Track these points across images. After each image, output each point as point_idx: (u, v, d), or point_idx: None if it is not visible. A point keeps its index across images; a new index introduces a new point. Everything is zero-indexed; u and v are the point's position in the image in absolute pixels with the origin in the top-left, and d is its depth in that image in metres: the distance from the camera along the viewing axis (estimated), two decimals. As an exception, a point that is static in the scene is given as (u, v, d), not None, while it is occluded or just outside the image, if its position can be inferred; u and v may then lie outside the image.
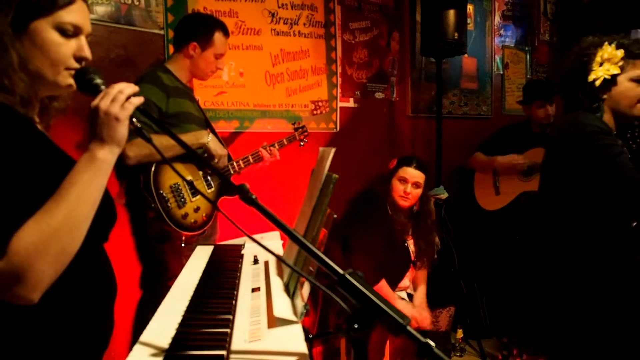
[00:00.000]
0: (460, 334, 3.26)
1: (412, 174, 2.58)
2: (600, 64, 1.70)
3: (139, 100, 1.00)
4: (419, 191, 2.60)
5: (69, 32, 1.02)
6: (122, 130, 0.98)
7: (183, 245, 2.14)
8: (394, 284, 2.63)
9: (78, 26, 1.03)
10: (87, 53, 1.05)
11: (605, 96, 1.72)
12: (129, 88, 0.99)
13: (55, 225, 0.89)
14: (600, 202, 1.65)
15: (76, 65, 1.04)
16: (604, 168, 1.61)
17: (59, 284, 0.94)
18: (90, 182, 0.95)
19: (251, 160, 2.40)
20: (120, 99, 0.97)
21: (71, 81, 1.04)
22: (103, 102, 0.97)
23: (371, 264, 2.47)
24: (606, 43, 1.71)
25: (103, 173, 0.97)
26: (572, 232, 1.70)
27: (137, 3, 2.51)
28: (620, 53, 1.68)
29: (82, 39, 1.05)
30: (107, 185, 1.02)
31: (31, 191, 0.91)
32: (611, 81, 1.70)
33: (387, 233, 2.54)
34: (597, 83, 1.70)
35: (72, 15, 1.01)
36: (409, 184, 2.57)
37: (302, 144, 2.68)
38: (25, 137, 0.97)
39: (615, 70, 1.69)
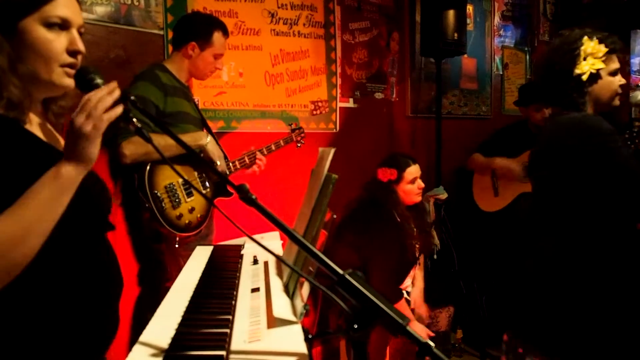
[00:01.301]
0: (460, 334, 3.26)
1: (416, 169, 2.65)
2: (584, 59, 1.70)
3: (115, 113, 0.94)
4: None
5: (58, 26, 1.00)
6: (91, 149, 0.94)
7: (177, 246, 2.13)
8: (398, 285, 2.64)
9: (66, 19, 1.01)
10: (80, 46, 1.03)
11: (589, 90, 1.73)
12: (109, 98, 0.94)
13: (4, 239, 0.87)
14: (612, 203, 1.63)
15: (71, 59, 1.02)
16: (618, 169, 1.60)
17: (60, 277, 0.94)
18: (50, 199, 0.92)
19: (247, 162, 2.40)
20: (95, 115, 0.92)
21: (69, 81, 1.03)
22: (78, 117, 0.92)
23: (391, 281, 2.50)
24: (586, 37, 1.71)
25: (65, 191, 0.94)
26: (581, 235, 1.67)
27: (136, 3, 2.51)
28: (604, 47, 1.70)
29: (74, 32, 1.03)
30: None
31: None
32: (596, 75, 1.71)
33: (400, 242, 2.55)
34: (584, 77, 1.70)
35: (58, 8, 1.00)
36: (417, 179, 2.65)
37: (299, 145, 2.68)
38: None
39: (600, 65, 1.70)
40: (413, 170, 2.62)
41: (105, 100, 0.93)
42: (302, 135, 2.68)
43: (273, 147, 2.50)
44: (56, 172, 0.93)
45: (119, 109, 0.95)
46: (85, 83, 1.01)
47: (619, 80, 1.76)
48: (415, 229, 2.68)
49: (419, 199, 2.67)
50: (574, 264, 1.66)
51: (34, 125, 1.07)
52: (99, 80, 1.01)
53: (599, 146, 1.63)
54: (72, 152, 0.93)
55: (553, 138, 1.77)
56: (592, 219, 1.66)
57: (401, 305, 2.51)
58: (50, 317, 0.98)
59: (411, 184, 2.62)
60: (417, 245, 2.70)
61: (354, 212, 2.63)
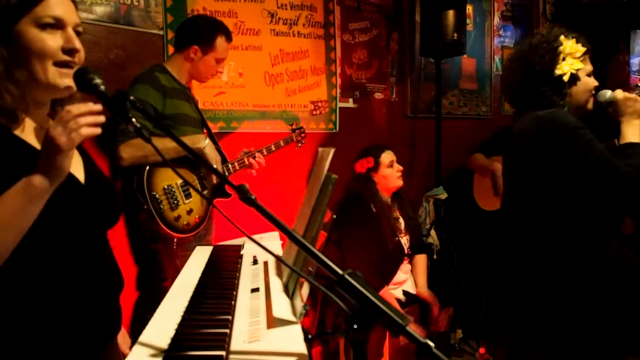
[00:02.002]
0: (459, 334, 3.26)
1: (391, 154, 2.75)
2: (563, 59, 1.65)
3: (93, 132, 0.93)
4: None
5: (52, 26, 1.00)
6: (63, 161, 0.92)
7: (175, 247, 2.13)
8: (387, 281, 2.63)
9: (59, 18, 1.01)
10: (75, 44, 1.03)
11: (568, 91, 1.67)
12: (90, 118, 0.92)
13: None
14: (589, 199, 1.60)
15: (66, 57, 1.02)
16: (593, 163, 1.55)
17: (63, 272, 0.94)
18: (20, 209, 0.91)
19: (246, 162, 2.40)
20: (71, 127, 0.91)
21: (69, 82, 1.02)
22: (54, 128, 0.91)
23: (369, 270, 2.50)
24: (563, 37, 1.66)
25: (35, 200, 0.92)
26: (557, 234, 1.64)
27: (136, 3, 2.51)
28: (582, 48, 1.65)
29: (69, 31, 1.03)
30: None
31: None
32: (575, 76, 1.66)
33: (377, 233, 2.55)
34: (566, 78, 1.65)
35: (50, 8, 1.00)
36: (395, 163, 2.74)
37: (299, 145, 2.68)
38: None
39: (580, 65, 1.65)
40: (388, 155, 2.72)
41: (86, 116, 0.92)
42: (303, 135, 2.68)
43: (273, 148, 2.49)
44: (27, 181, 0.91)
45: (98, 130, 0.93)
46: (84, 82, 1.01)
47: (593, 81, 1.71)
48: (401, 220, 2.68)
49: (400, 182, 2.74)
50: (551, 267, 1.62)
51: (27, 130, 1.06)
52: (97, 80, 1.00)
53: (571, 142, 1.57)
54: (44, 162, 0.92)
55: (523, 137, 1.70)
56: (568, 219, 1.62)
57: (383, 295, 2.49)
58: (54, 308, 1.00)
59: (390, 167, 2.69)
60: (406, 238, 2.70)
61: (337, 209, 2.65)
